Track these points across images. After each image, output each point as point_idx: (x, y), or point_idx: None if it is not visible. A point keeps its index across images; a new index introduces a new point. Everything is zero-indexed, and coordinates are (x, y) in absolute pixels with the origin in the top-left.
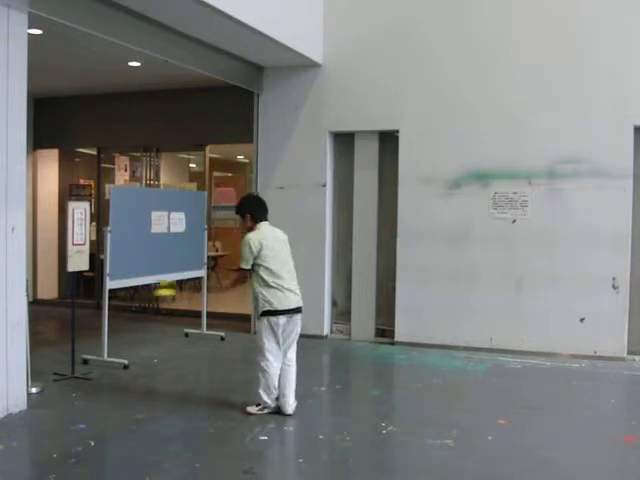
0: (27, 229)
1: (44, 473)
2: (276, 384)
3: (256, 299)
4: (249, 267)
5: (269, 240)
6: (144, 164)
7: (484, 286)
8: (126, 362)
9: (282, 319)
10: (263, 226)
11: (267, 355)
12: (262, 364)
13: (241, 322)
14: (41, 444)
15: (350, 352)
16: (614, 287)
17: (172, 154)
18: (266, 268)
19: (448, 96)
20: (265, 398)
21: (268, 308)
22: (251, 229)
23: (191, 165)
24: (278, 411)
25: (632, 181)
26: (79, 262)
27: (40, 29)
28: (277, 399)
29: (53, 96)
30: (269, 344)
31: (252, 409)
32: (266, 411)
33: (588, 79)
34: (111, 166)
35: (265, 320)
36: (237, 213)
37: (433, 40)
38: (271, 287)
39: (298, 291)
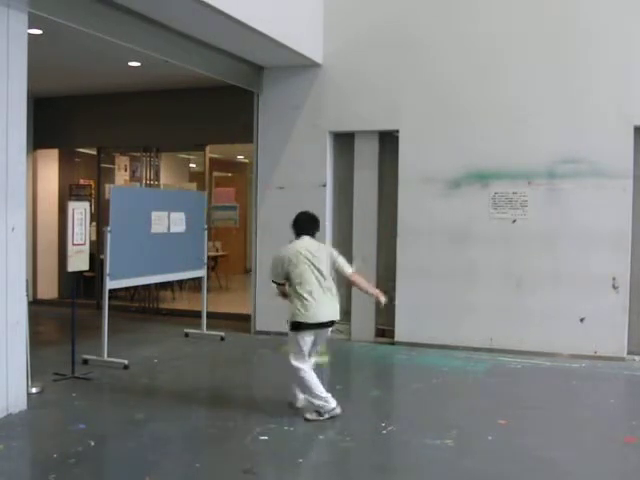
0: (27, 229)
1: (44, 473)
2: None
3: None
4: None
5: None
6: (144, 164)
7: (484, 286)
8: (126, 362)
9: None
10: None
11: None
12: None
13: (241, 322)
14: (41, 444)
15: (350, 352)
16: (614, 287)
17: (172, 154)
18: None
19: (448, 96)
20: None
21: None
22: None
23: (191, 165)
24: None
25: (632, 181)
26: (79, 262)
27: (40, 29)
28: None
29: (53, 96)
30: None
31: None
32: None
33: (588, 79)
34: (111, 166)
35: None
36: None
37: (433, 40)
38: None
39: None
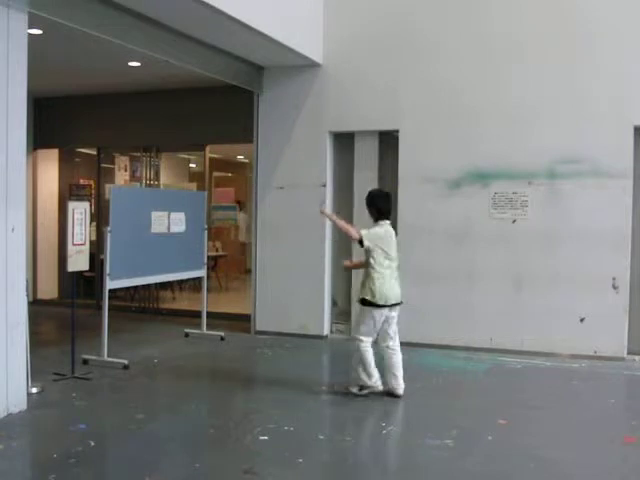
0: (27, 229)
1: (44, 473)
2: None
3: None
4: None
5: None
6: (144, 164)
7: (484, 286)
8: (126, 362)
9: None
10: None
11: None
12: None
13: (241, 322)
14: (41, 444)
15: (350, 352)
16: (614, 287)
17: (172, 154)
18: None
19: (448, 96)
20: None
21: None
22: None
23: (191, 165)
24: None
25: (632, 181)
26: (79, 262)
27: (40, 29)
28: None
29: (53, 96)
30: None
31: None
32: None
33: (588, 79)
34: (111, 166)
35: None
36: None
37: (433, 40)
38: None
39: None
